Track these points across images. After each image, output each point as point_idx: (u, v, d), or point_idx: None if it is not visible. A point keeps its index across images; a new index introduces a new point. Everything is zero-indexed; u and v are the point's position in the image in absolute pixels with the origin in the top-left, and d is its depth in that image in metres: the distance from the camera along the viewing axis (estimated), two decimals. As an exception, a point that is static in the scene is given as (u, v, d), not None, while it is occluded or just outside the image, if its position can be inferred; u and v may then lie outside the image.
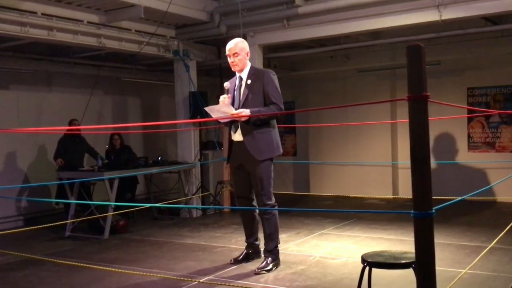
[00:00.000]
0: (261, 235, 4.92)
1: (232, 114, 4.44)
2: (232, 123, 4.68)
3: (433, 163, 2.25)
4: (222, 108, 4.46)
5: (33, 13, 6.17)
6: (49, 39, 6.51)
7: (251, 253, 5.01)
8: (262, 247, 4.93)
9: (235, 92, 4.72)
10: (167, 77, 9.79)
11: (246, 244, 5.06)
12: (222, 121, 4.71)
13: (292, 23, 7.34)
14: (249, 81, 4.65)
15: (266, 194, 4.64)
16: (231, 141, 4.77)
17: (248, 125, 4.54)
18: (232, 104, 4.63)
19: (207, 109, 4.57)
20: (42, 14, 6.27)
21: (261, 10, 7.44)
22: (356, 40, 8.39)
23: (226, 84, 4.71)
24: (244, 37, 7.44)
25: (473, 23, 7.17)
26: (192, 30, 7.97)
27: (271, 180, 4.68)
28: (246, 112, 4.44)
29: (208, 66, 9.33)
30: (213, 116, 4.54)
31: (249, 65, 4.74)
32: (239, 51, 4.64)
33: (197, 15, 7.52)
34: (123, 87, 9.99)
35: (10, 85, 8.14)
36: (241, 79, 4.72)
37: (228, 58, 4.70)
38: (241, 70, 4.72)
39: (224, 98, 4.56)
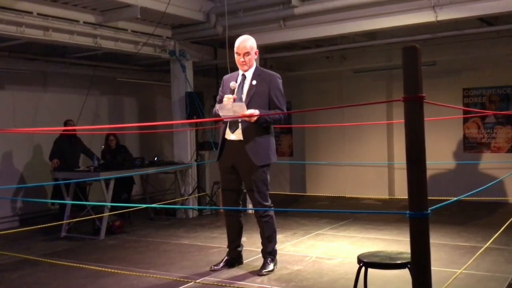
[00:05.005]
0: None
1: (244, 114, 4.19)
2: (231, 121, 4.46)
3: (428, 163, 2.25)
4: (235, 107, 4.24)
5: (29, 13, 6.14)
6: (45, 39, 6.49)
7: (232, 260, 4.79)
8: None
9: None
10: (163, 78, 9.78)
11: (227, 250, 4.81)
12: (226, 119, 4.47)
13: (289, 23, 7.34)
14: (254, 82, 4.48)
15: (263, 197, 4.54)
16: (223, 140, 4.55)
17: (253, 126, 4.36)
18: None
19: (218, 106, 4.34)
20: (38, 14, 6.24)
21: (257, 10, 7.43)
22: (352, 41, 8.41)
23: (233, 84, 4.44)
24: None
25: (469, 24, 7.19)
26: (189, 31, 7.97)
27: (267, 184, 4.57)
28: (256, 112, 4.26)
29: (205, 67, 9.32)
30: (221, 114, 4.29)
31: (255, 64, 4.58)
32: (250, 50, 4.46)
33: (193, 16, 7.51)
34: (119, 87, 9.98)
35: (6, 85, 8.12)
36: (244, 77, 4.54)
37: (237, 56, 4.49)
38: (247, 69, 4.56)
39: (229, 99, 4.34)
